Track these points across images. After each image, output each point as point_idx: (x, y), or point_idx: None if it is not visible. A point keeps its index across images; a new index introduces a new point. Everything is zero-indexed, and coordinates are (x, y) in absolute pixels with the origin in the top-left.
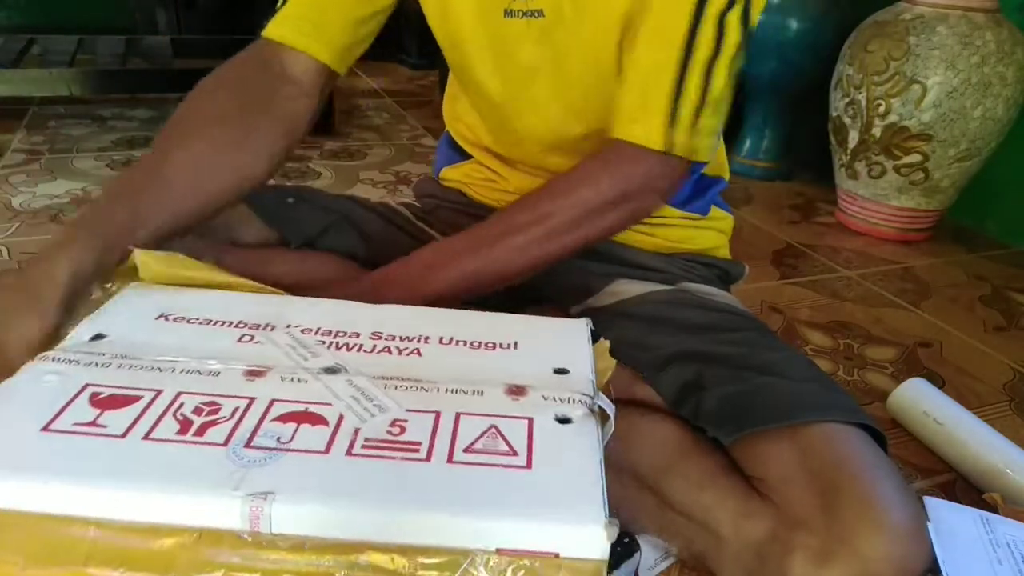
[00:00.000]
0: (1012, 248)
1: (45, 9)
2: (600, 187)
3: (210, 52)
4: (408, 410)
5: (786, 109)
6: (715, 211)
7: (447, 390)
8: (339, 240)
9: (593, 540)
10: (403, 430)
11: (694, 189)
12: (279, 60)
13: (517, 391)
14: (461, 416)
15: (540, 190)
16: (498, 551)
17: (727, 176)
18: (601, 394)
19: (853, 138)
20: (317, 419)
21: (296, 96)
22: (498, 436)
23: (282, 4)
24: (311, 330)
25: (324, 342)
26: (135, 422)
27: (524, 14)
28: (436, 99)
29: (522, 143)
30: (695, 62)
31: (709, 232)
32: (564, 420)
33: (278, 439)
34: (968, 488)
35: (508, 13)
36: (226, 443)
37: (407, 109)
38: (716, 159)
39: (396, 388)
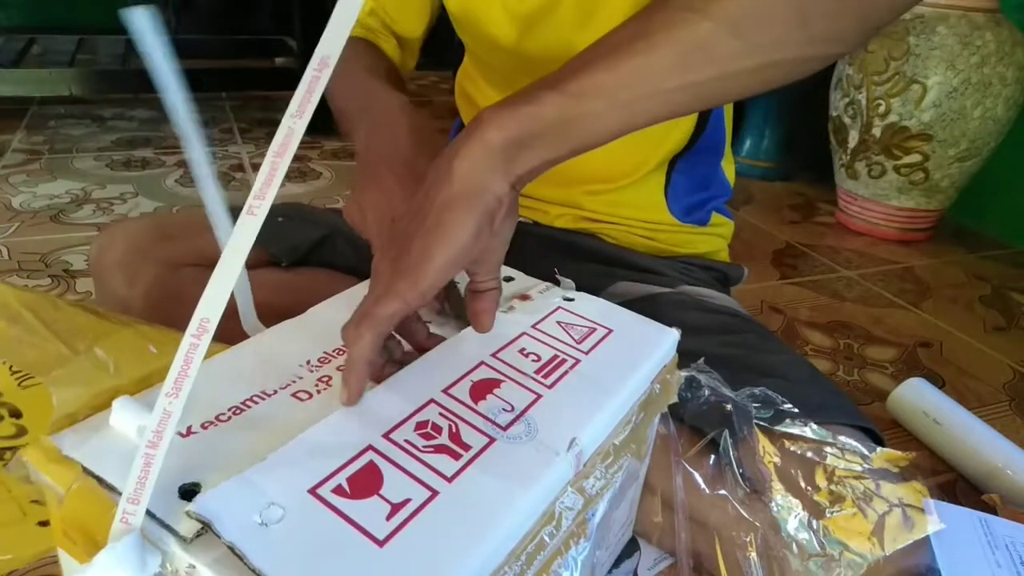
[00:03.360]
0: (1012, 248)
1: (45, 9)
2: None
3: (209, 52)
4: None
5: (786, 109)
6: (716, 217)
7: None
8: (330, 255)
9: None
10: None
11: (697, 203)
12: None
13: None
14: None
15: None
16: None
17: (733, 181)
18: None
19: (853, 138)
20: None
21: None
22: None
23: None
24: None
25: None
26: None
27: None
28: (436, 99)
29: None
30: None
31: (709, 238)
32: None
33: (501, 409)
34: (968, 488)
35: None
36: (493, 435)
37: None
38: (725, 161)
39: None
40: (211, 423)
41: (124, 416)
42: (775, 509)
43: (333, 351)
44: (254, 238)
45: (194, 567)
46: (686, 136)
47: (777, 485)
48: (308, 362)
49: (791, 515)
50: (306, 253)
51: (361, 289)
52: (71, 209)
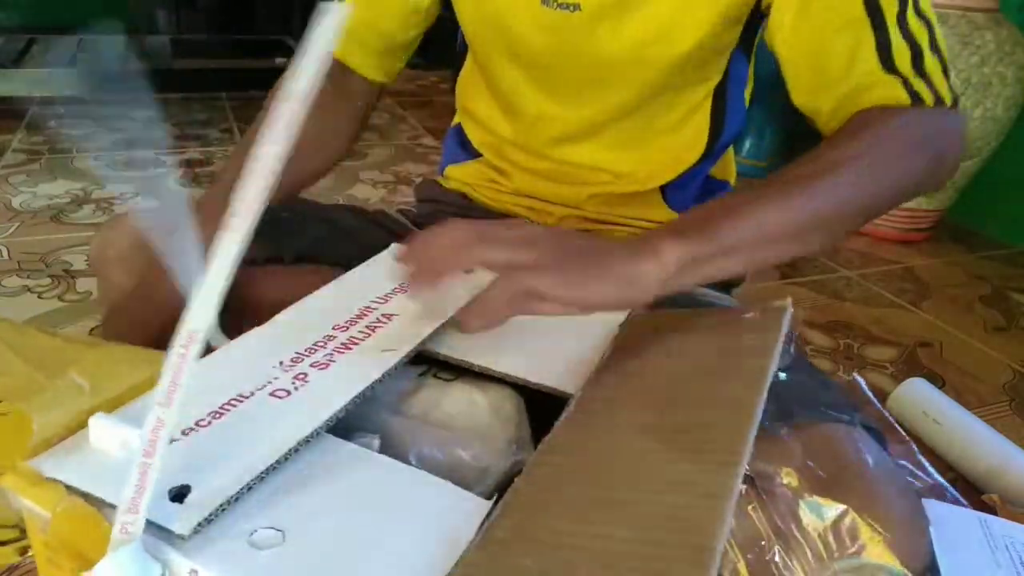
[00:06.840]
0: (1012, 248)
1: (45, 9)
2: (892, 129)
3: (210, 52)
4: None
5: (787, 109)
6: None
7: None
8: (333, 251)
9: None
10: None
11: (700, 193)
12: (339, 68)
13: None
14: None
15: (827, 143)
16: None
17: (733, 180)
18: None
19: None
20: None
21: (359, 91)
22: None
23: None
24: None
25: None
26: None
27: (560, 6)
28: (436, 99)
29: (539, 128)
30: (888, 23)
31: None
32: None
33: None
34: (968, 488)
35: (545, 2)
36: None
37: (407, 109)
38: (724, 162)
39: None
40: (192, 429)
41: (102, 432)
42: None
43: (305, 350)
44: (241, 253)
45: (196, 572)
46: (695, 160)
47: None
48: (281, 362)
49: None
50: (307, 249)
51: (327, 291)
52: (71, 209)
